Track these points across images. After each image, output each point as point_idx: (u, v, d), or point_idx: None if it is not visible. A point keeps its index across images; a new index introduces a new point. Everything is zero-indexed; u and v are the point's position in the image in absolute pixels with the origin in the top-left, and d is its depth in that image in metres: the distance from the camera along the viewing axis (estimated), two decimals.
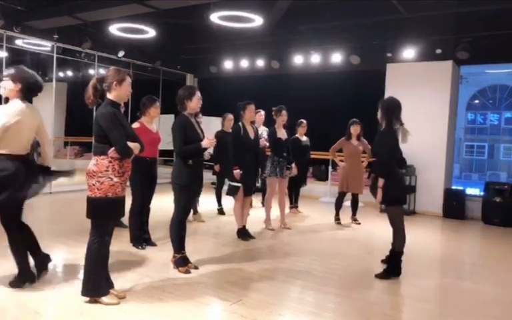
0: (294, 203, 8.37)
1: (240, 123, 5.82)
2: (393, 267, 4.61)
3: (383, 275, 4.58)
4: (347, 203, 7.68)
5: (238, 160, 5.66)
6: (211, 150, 5.67)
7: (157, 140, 5.42)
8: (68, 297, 3.61)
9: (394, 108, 4.59)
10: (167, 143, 7.09)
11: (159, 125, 5.75)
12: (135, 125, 5.17)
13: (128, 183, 3.73)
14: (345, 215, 7.56)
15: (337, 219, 7.40)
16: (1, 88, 3.70)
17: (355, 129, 7.23)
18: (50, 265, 4.65)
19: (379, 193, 4.54)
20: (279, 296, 3.96)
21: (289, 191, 8.14)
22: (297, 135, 8.03)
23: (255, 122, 7.03)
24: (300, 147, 7.93)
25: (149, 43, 10.09)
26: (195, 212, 7.08)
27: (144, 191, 5.24)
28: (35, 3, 8.64)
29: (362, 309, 3.77)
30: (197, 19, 8.30)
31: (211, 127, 7.33)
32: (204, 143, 4.34)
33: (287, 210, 7.53)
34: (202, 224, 6.91)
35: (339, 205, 7.41)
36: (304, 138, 8.11)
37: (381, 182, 4.52)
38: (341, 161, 7.39)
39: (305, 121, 8.10)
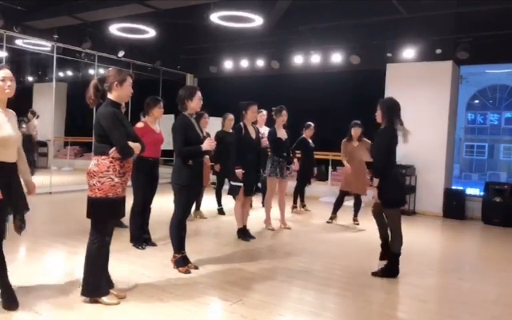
0: (301, 202, 8.58)
1: (241, 123, 5.82)
2: (390, 268, 4.61)
3: (380, 274, 4.60)
4: (349, 203, 7.69)
5: (239, 159, 5.66)
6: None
7: (160, 140, 5.43)
8: (68, 297, 3.61)
9: (395, 108, 4.61)
10: (167, 143, 7.08)
11: (159, 125, 5.76)
12: (139, 125, 5.18)
13: (129, 183, 3.73)
14: (347, 216, 7.55)
15: (332, 217, 7.45)
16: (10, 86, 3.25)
17: (355, 131, 7.26)
18: (50, 265, 4.67)
19: (375, 191, 4.59)
20: (279, 296, 3.96)
21: (300, 191, 8.48)
22: (304, 136, 8.13)
23: (257, 122, 7.05)
24: (308, 147, 8.11)
25: (149, 43, 10.10)
26: (197, 208, 7.19)
27: (146, 191, 5.24)
28: (35, 3, 8.64)
29: (362, 309, 3.78)
30: (197, 19, 8.30)
31: (211, 127, 7.33)
32: (204, 146, 4.34)
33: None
34: (202, 224, 6.91)
35: (338, 205, 7.45)
36: (310, 140, 8.23)
37: (375, 181, 4.56)
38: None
39: (313, 124, 8.20)
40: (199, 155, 4.41)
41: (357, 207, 7.44)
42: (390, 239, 4.66)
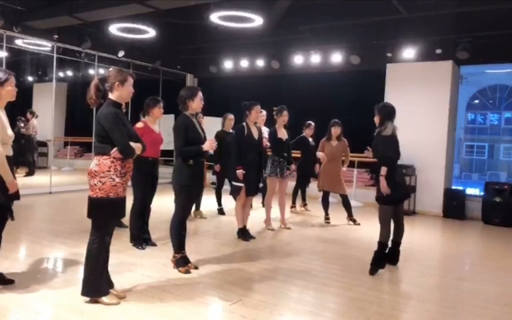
0: (303, 201, 8.59)
1: (244, 123, 5.82)
2: (377, 256, 4.77)
3: (372, 269, 4.71)
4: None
5: (241, 160, 5.66)
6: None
7: (160, 140, 5.44)
8: (68, 297, 3.61)
9: (392, 112, 4.86)
10: (167, 143, 7.08)
11: (159, 125, 5.76)
12: (139, 125, 5.19)
13: (129, 183, 3.73)
14: (345, 216, 7.55)
15: (327, 218, 7.48)
16: None
17: (335, 131, 7.33)
18: (50, 265, 4.67)
19: (382, 181, 4.66)
20: (279, 296, 3.96)
21: (301, 190, 8.53)
22: (304, 135, 8.16)
23: (257, 122, 7.06)
24: (308, 146, 8.12)
25: (149, 43, 10.10)
26: (197, 208, 7.20)
27: (146, 190, 5.25)
28: (35, 3, 8.64)
29: (362, 309, 3.77)
30: (197, 19, 8.31)
31: (211, 127, 7.33)
32: (205, 146, 4.35)
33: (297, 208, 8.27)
34: (202, 224, 6.92)
35: (325, 205, 7.52)
36: (310, 139, 8.25)
37: (383, 170, 4.65)
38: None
39: (313, 124, 8.24)
40: (200, 154, 4.41)
41: (347, 206, 7.42)
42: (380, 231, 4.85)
